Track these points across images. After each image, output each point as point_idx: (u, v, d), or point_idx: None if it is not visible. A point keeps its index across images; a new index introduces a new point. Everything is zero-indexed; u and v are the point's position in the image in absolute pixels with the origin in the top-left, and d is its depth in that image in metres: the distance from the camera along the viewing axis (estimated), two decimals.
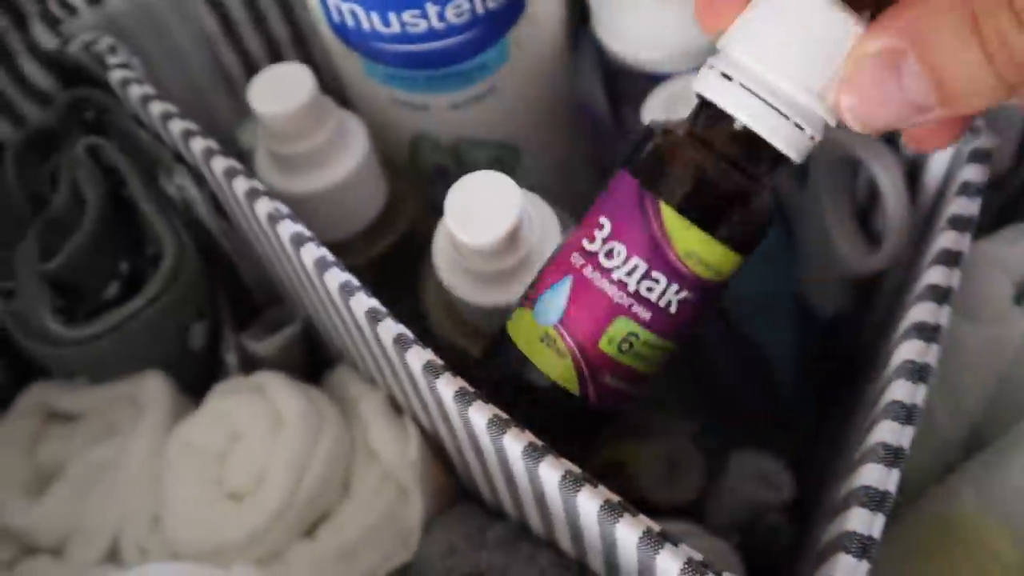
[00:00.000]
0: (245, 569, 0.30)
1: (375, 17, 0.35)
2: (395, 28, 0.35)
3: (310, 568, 0.34)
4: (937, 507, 0.33)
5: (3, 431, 0.37)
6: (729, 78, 0.27)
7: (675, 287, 0.29)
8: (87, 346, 0.35)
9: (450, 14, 0.35)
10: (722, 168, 0.28)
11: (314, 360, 0.42)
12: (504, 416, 0.28)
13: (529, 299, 0.30)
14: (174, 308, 0.36)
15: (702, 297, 0.29)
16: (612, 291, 0.29)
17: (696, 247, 0.28)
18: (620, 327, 0.29)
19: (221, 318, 0.39)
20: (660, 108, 0.36)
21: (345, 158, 0.38)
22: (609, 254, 0.29)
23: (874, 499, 0.26)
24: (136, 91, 0.36)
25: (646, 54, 0.38)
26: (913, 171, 0.35)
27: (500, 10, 0.36)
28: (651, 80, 0.38)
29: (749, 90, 0.26)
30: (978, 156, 0.31)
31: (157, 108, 0.36)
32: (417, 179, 0.43)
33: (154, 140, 0.37)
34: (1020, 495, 0.31)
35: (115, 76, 0.37)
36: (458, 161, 0.42)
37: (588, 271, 0.29)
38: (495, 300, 0.34)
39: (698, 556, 0.25)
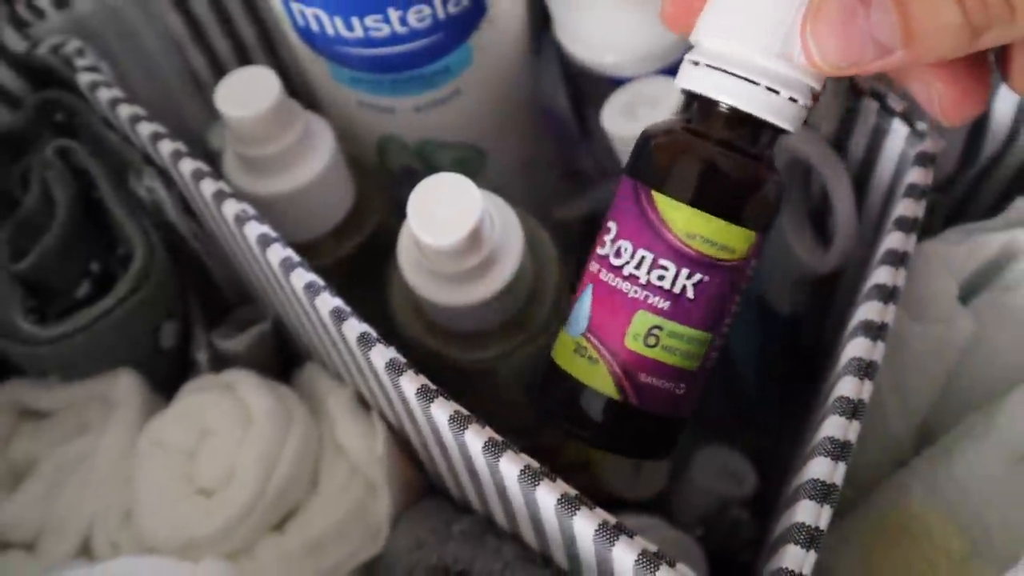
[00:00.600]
0: (214, 563, 0.30)
1: (339, 22, 0.35)
2: (358, 32, 0.36)
3: (278, 562, 0.35)
4: (888, 502, 0.34)
5: None
6: (702, 65, 0.27)
7: (686, 271, 0.29)
8: (59, 345, 0.36)
9: (412, 19, 0.35)
10: (701, 144, 0.28)
11: (284, 358, 0.42)
12: (465, 412, 0.29)
13: (565, 318, 0.31)
14: (144, 307, 0.37)
15: (722, 278, 0.29)
16: (626, 287, 0.29)
17: (694, 226, 0.28)
18: (641, 321, 0.29)
19: (191, 317, 0.40)
20: (619, 112, 0.37)
21: (312, 160, 0.38)
22: (618, 252, 0.29)
23: (821, 491, 0.27)
24: (105, 94, 0.37)
25: (607, 58, 0.38)
26: (863, 175, 0.36)
27: (462, 15, 0.36)
28: (613, 83, 0.39)
29: (723, 71, 0.27)
30: (923, 159, 0.32)
31: (126, 111, 0.36)
32: (384, 179, 0.44)
33: (123, 142, 0.38)
34: (964, 489, 0.32)
35: (83, 79, 0.37)
36: (424, 162, 0.42)
37: (603, 274, 0.30)
38: (458, 300, 0.35)
39: (653, 547, 0.25)
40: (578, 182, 0.48)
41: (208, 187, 0.34)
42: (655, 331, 0.29)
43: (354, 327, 0.30)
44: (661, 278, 0.29)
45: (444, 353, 0.38)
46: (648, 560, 0.25)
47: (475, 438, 0.28)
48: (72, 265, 0.38)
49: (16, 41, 0.39)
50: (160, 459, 0.36)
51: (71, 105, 0.39)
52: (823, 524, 0.26)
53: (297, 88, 0.44)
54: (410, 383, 0.29)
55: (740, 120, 0.28)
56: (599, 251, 0.30)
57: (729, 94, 0.27)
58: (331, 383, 0.38)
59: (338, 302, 0.31)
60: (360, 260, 0.42)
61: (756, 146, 0.29)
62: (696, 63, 0.28)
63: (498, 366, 0.38)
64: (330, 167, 0.39)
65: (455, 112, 0.40)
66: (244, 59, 0.45)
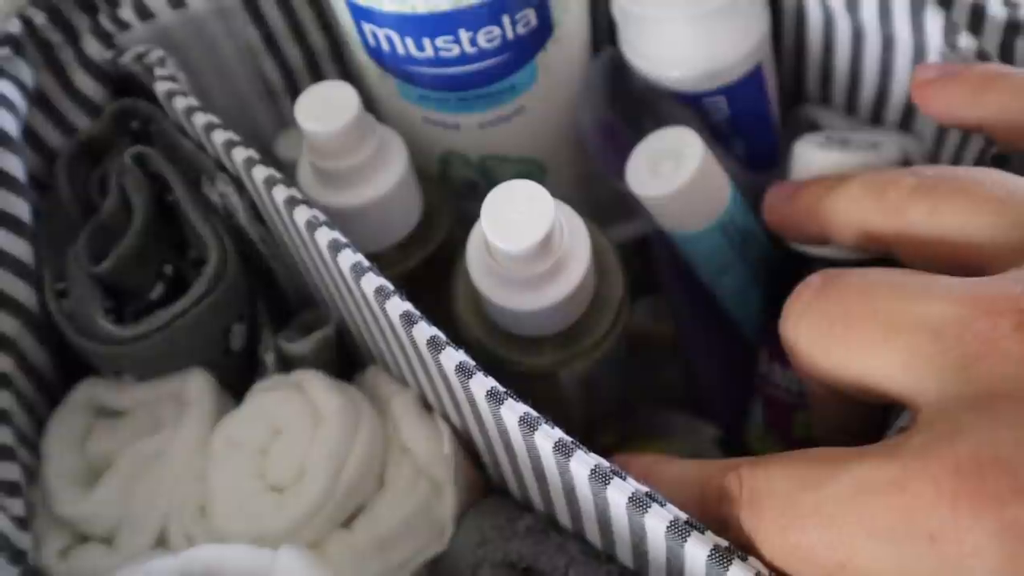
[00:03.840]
0: (292, 550, 0.31)
1: (410, 42, 0.36)
2: (429, 53, 0.36)
3: (348, 557, 0.35)
4: None
5: (56, 426, 0.38)
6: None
7: None
8: (136, 344, 0.36)
9: (482, 40, 0.36)
10: None
11: (345, 362, 0.43)
12: (534, 414, 0.29)
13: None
14: (217, 309, 0.37)
15: None
16: (784, 396, 0.39)
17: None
18: (799, 418, 0.39)
19: (259, 320, 0.41)
20: (643, 170, 0.37)
21: (386, 174, 0.39)
22: (771, 372, 0.39)
23: None
24: (181, 103, 0.37)
25: (672, 73, 0.38)
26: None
27: (530, 35, 0.37)
28: (677, 98, 0.39)
29: None
30: None
31: (200, 119, 0.37)
32: (449, 192, 0.44)
33: (197, 149, 0.38)
34: None
35: (161, 88, 0.38)
36: (486, 176, 0.43)
37: (767, 389, 0.40)
38: (526, 304, 0.35)
39: (725, 542, 0.26)
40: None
41: (280, 193, 0.34)
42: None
43: (424, 330, 0.31)
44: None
45: (506, 357, 0.38)
46: (720, 555, 0.25)
47: (544, 439, 0.28)
48: (147, 267, 0.38)
49: (99, 51, 0.40)
50: (233, 456, 0.36)
51: (147, 113, 0.40)
52: None
53: (363, 98, 0.45)
54: (479, 386, 0.30)
55: (837, 265, 0.33)
56: (760, 370, 0.40)
57: (830, 250, 0.35)
58: (395, 386, 0.38)
59: (408, 306, 0.31)
60: (426, 271, 0.43)
61: None
62: None
63: (559, 372, 0.39)
64: (403, 181, 0.39)
65: (518, 128, 0.40)
66: (315, 68, 0.46)
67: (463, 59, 0.36)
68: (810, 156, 0.36)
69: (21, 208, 0.37)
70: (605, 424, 0.50)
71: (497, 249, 0.33)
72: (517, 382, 0.40)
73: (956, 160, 0.36)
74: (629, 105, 0.44)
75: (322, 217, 0.34)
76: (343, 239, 0.33)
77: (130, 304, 0.38)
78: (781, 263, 0.39)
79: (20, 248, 0.37)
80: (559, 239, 0.34)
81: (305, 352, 0.40)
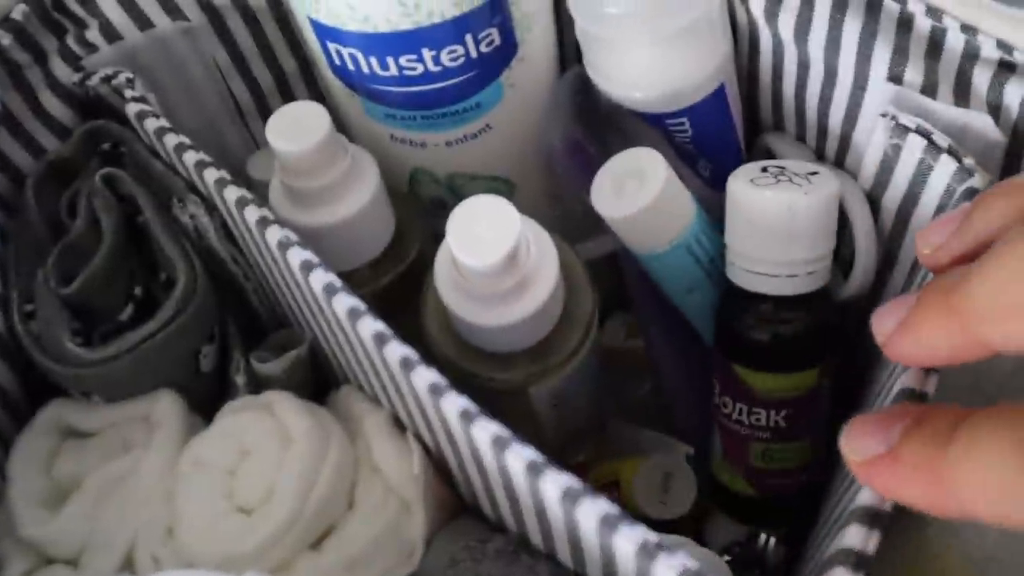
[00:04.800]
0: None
1: (374, 61, 0.36)
2: (393, 71, 0.36)
3: None
4: (911, 528, 0.33)
5: (23, 447, 0.37)
6: (742, 269, 0.37)
7: (773, 411, 0.38)
8: (104, 367, 0.36)
9: (445, 58, 0.35)
10: (759, 324, 0.37)
11: (318, 380, 0.42)
12: (506, 434, 0.29)
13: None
14: (186, 331, 0.37)
15: (805, 404, 0.38)
16: (736, 427, 0.39)
17: (770, 383, 0.38)
18: (755, 448, 0.39)
19: (230, 341, 0.40)
20: (608, 192, 0.37)
21: (358, 193, 0.38)
22: (724, 404, 0.40)
23: (870, 517, 0.26)
24: (152, 124, 0.37)
25: (635, 94, 0.38)
26: (904, 210, 0.36)
27: (494, 53, 0.37)
28: (643, 118, 0.39)
29: (761, 273, 0.37)
30: (972, 196, 0.32)
31: (172, 140, 0.36)
32: (419, 209, 0.44)
33: (168, 170, 0.38)
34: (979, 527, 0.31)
35: (131, 109, 0.37)
36: (455, 194, 0.42)
37: (720, 418, 0.40)
38: (494, 320, 0.35)
39: (694, 565, 0.25)
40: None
41: (252, 214, 0.34)
42: (767, 452, 0.39)
43: (396, 350, 0.30)
44: (758, 420, 0.39)
45: (476, 373, 0.38)
46: None
47: (516, 460, 0.28)
48: (117, 289, 0.38)
49: (67, 73, 0.39)
50: (201, 477, 0.35)
51: (117, 134, 0.39)
52: (871, 549, 0.26)
53: (333, 117, 0.44)
54: (451, 405, 0.29)
55: (778, 300, 0.37)
56: (714, 400, 0.40)
57: (766, 286, 0.36)
58: (367, 405, 0.38)
59: (380, 326, 0.31)
60: (398, 289, 0.42)
61: (800, 310, 0.37)
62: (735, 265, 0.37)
63: (529, 388, 0.38)
64: (374, 200, 0.39)
65: (485, 146, 0.40)
66: (284, 88, 0.45)
67: (427, 77, 0.36)
68: (741, 194, 0.36)
69: None
70: (578, 441, 0.50)
71: (463, 265, 0.33)
72: (488, 399, 0.39)
73: (904, 202, 0.36)
74: (596, 122, 0.44)
75: (294, 237, 0.33)
76: (315, 259, 0.33)
77: (99, 326, 0.38)
78: (725, 297, 0.39)
79: None
80: (525, 255, 0.34)
81: (277, 372, 0.39)
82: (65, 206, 0.39)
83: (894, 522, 0.29)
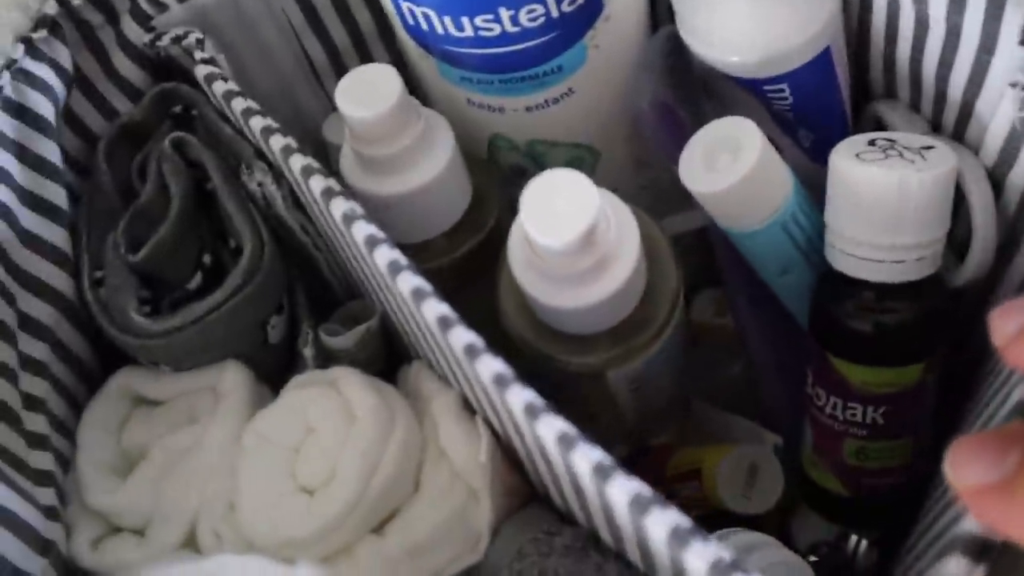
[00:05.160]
0: (310, 567, 0.29)
1: (448, 21, 0.33)
2: (468, 32, 0.33)
3: (378, 564, 0.33)
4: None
5: (92, 415, 0.37)
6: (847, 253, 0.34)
7: (871, 407, 0.35)
8: (168, 338, 0.35)
9: (524, 18, 0.33)
10: (859, 312, 0.34)
11: (392, 353, 0.41)
12: (573, 432, 0.27)
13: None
14: (253, 302, 0.36)
15: (905, 401, 0.35)
16: (830, 423, 0.36)
17: (867, 377, 0.34)
18: (849, 446, 0.36)
19: (299, 311, 0.39)
20: (699, 164, 0.34)
21: (432, 160, 0.36)
22: (817, 396, 0.36)
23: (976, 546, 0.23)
24: (220, 87, 0.35)
25: (732, 58, 0.35)
26: (998, 176, 0.32)
27: (576, 13, 0.34)
28: (738, 83, 0.36)
29: (865, 259, 0.33)
30: None
31: (239, 104, 0.35)
32: (500, 177, 0.41)
33: (237, 135, 0.37)
34: None
35: (200, 71, 0.36)
36: (535, 161, 0.40)
37: (813, 410, 0.37)
38: (571, 302, 0.32)
39: None
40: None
41: (317, 184, 0.32)
42: (863, 451, 0.36)
43: (460, 336, 0.28)
44: (854, 415, 0.35)
45: (553, 356, 0.36)
46: None
47: (582, 460, 0.26)
48: (185, 257, 0.37)
49: (138, 34, 0.38)
50: (264, 454, 0.34)
51: (189, 97, 0.38)
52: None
53: (410, 81, 0.42)
54: (517, 398, 0.27)
55: (882, 287, 0.33)
56: (807, 390, 0.37)
57: (869, 272, 0.33)
58: (437, 385, 0.36)
59: (445, 309, 0.29)
60: (475, 259, 0.40)
61: (906, 298, 0.34)
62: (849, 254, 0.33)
63: (607, 371, 0.36)
64: (449, 168, 0.37)
65: (567, 112, 0.37)
66: (362, 49, 0.43)
67: (505, 39, 0.34)
68: (845, 169, 0.32)
69: (57, 195, 0.36)
70: (660, 422, 0.47)
71: (537, 244, 0.30)
72: (565, 380, 0.38)
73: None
74: (688, 87, 0.40)
75: (359, 210, 0.32)
76: (380, 234, 0.31)
77: (168, 294, 0.37)
78: (823, 280, 0.36)
79: (56, 235, 0.36)
80: (604, 232, 0.31)
81: (347, 346, 0.38)
82: (136, 170, 0.38)
83: (1004, 555, 0.26)
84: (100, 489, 0.36)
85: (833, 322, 0.35)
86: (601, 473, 0.26)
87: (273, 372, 0.38)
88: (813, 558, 0.39)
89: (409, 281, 0.30)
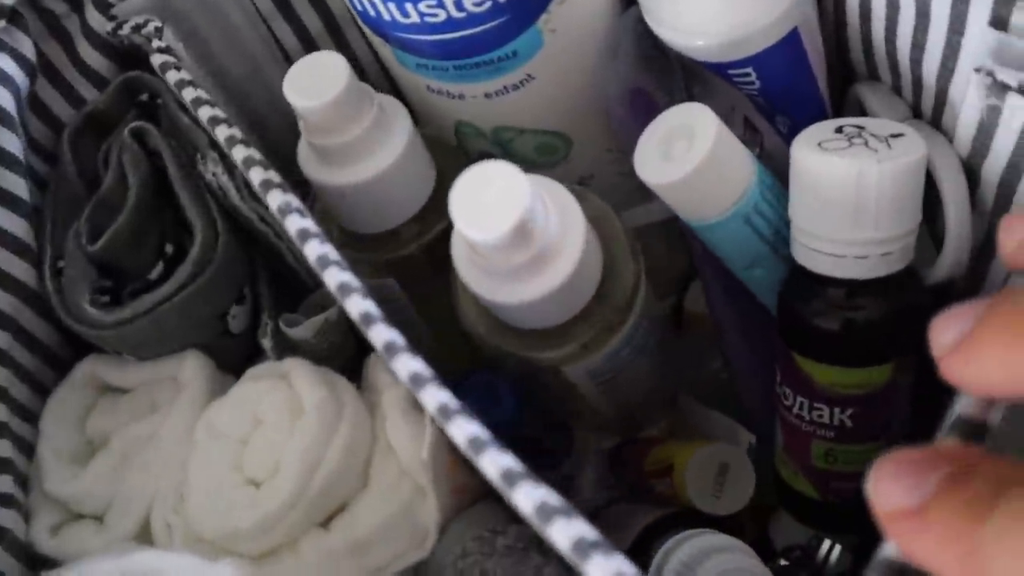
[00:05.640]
0: (231, 567, 0.28)
1: (392, 7, 0.32)
2: (415, 19, 0.32)
3: (322, 559, 0.33)
4: None
5: (55, 403, 0.37)
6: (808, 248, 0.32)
7: (837, 409, 0.33)
8: (120, 329, 0.35)
9: (468, 3, 0.31)
10: (825, 310, 0.32)
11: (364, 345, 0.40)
12: (485, 436, 0.25)
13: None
14: (207, 293, 0.35)
15: (874, 403, 0.33)
16: (797, 423, 0.34)
17: (833, 377, 0.33)
18: (817, 447, 0.34)
19: (262, 302, 0.38)
20: (654, 154, 0.32)
21: (388, 148, 0.35)
22: (785, 395, 0.35)
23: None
24: (173, 76, 0.35)
25: (696, 42, 0.33)
26: (1009, 179, 0.30)
27: None
28: (705, 67, 0.34)
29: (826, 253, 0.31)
30: None
31: (190, 94, 0.34)
32: (467, 162, 0.40)
33: (193, 124, 0.36)
34: None
35: (155, 60, 0.36)
36: (503, 148, 0.39)
37: (781, 409, 0.35)
38: (509, 298, 0.31)
39: None
40: None
41: (257, 175, 0.32)
42: (830, 453, 0.34)
43: (382, 333, 0.28)
44: (820, 416, 0.34)
45: (505, 350, 0.35)
46: None
47: (491, 465, 0.25)
48: (147, 247, 0.36)
49: (101, 22, 0.38)
50: (213, 446, 0.34)
51: (153, 85, 0.38)
52: None
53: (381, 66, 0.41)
54: (432, 399, 0.26)
55: (851, 284, 0.31)
56: (776, 388, 0.35)
57: (832, 268, 0.31)
58: (388, 379, 0.35)
59: (368, 305, 0.28)
60: (447, 245, 0.40)
61: (875, 295, 0.31)
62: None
63: (563, 367, 0.35)
64: (406, 155, 0.35)
65: (529, 98, 0.36)
66: (334, 31, 0.42)
67: (452, 24, 0.32)
68: (803, 159, 0.30)
69: (18, 185, 0.36)
70: (644, 415, 0.46)
71: (470, 239, 0.29)
72: (527, 373, 0.37)
73: (1007, 174, 0.29)
74: (668, 71, 0.39)
75: (295, 203, 0.31)
76: (313, 228, 0.30)
77: (129, 284, 0.37)
78: (789, 276, 0.34)
79: (17, 225, 0.36)
80: (542, 226, 0.30)
81: (306, 336, 0.37)
82: (102, 159, 0.38)
83: None
84: (60, 478, 0.36)
85: (797, 319, 0.33)
86: (508, 479, 0.25)
87: (237, 362, 0.38)
88: (783, 562, 0.37)
89: (336, 276, 0.29)
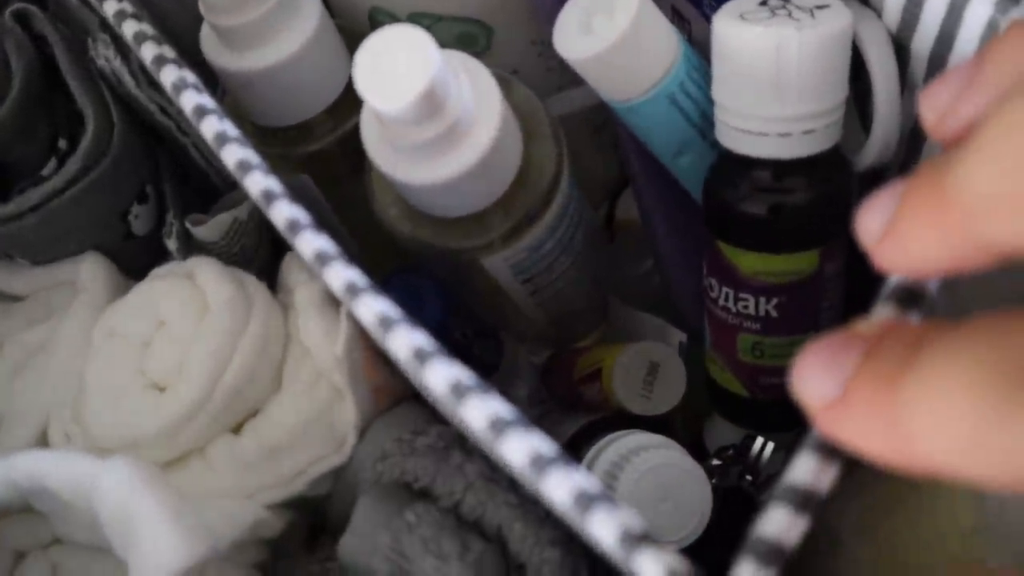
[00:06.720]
0: (122, 462, 0.26)
1: None
2: None
3: (231, 465, 0.31)
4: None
5: None
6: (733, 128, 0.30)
7: (763, 299, 0.32)
8: (7, 226, 0.32)
9: None
10: (748, 193, 0.30)
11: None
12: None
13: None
14: (101, 188, 0.33)
15: (800, 292, 0.31)
16: (724, 315, 0.33)
17: (757, 265, 0.31)
18: (744, 341, 0.33)
19: (167, 201, 0.36)
20: (574, 28, 0.30)
21: (295, 30, 0.32)
22: (711, 287, 0.33)
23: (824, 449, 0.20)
24: None
25: None
26: (938, 55, 0.28)
27: None
28: None
29: (747, 131, 0.29)
30: None
31: None
32: None
33: (82, 4, 0.33)
34: None
35: None
36: None
37: (708, 303, 0.34)
38: (420, 178, 0.29)
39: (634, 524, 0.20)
40: None
41: (149, 51, 0.29)
42: (757, 346, 0.33)
43: (283, 210, 0.26)
44: (746, 307, 0.32)
45: (420, 240, 0.33)
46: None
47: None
48: (34, 140, 0.33)
49: None
50: (113, 350, 0.32)
51: None
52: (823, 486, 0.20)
53: None
54: (337, 279, 0.24)
55: (776, 166, 0.30)
56: (703, 282, 0.34)
57: (752, 147, 0.29)
58: (302, 275, 0.33)
59: (271, 182, 0.26)
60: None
61: (799, 176, 0.30)
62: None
63: (480, 259, 0.33)
64: (316, 37, 0.33)
65: None
66: None
67: None
68: (723, 32, 0.28)
69: None
70: (580, 324, 0.44)
71: (374, 108, 0.27)
72: (449, 270, 0.35)
73: (937, 46, 0.28)
74: None
75: (191, 79, 0.28)
76: (209, 104, 0.28)
77: (20, 181, 0.34)
78: (716, 162, 0.32)
79: None
80: (455, 98, 0.28)
81: (213, 238, 0.35)
82: None
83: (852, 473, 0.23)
84: None
85: (721, 205, 0.31)
86: (420, 357, 0.23)
87: (143, 268, 0.35)
88: (716, 461, 0.36)
89: (234, 153, 0.27)
